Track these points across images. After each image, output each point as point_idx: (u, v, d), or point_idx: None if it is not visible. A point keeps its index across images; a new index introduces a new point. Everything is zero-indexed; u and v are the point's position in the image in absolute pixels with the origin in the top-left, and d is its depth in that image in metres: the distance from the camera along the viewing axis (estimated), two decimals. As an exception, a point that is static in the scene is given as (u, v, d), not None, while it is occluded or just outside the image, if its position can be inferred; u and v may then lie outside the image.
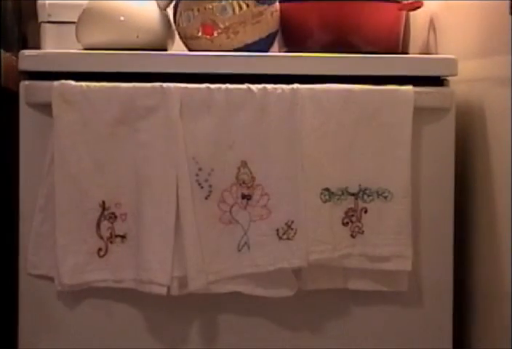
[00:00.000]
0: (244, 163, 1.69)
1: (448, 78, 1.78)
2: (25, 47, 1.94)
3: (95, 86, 1.67)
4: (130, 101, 1.67)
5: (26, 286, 1.71)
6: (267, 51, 1.87)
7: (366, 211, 1.71)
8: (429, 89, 1.74)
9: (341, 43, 1.85)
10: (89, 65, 1.69)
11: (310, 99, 1.69)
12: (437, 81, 1.77)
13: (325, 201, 1.69)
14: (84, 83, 1.66)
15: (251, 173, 1.69)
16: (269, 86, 1.69)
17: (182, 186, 1.66)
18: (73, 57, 1.70)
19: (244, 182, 1.69)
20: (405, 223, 1.71)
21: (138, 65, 1.72)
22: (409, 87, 1.72)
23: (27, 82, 1.69)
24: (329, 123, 1.70)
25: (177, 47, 1.90)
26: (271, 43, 1.89)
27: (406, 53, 2.11)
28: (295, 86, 1.69)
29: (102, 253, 1.68)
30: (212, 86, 1.68)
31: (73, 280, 1.67)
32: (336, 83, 1.71)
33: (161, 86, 1.67)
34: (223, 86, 1.68)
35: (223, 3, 1.81)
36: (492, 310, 1.70)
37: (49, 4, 2.08)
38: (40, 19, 2.06)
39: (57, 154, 1.65)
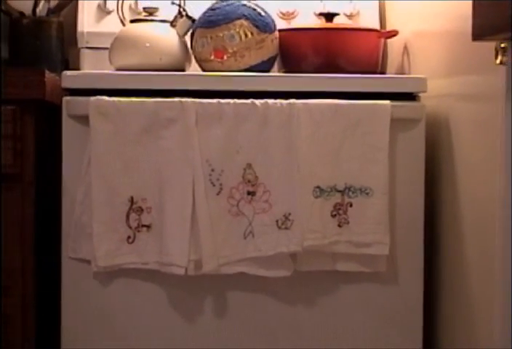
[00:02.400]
0: (249, 165, 1.69)
1: (419, 94, 1.78)
2: (67, 68, 1.94)
3: (125, 101, 1.67)
4: (154, 113, 1.67)
5: (67, 268, 1.71)
6: (268, 72, 1.87)
7: (351, 205, 1.71)
8: (403, 103, 1.74)
9: (330, 65, 1.84)
10: (120, 83, 1.69)
11: (304, 112, 1.69)
12: (410, 97, 1.77)
13: (316, 197, 1.70)
14: (115, 99, 1.67)
15: (255, 173, 1.69)
16: (270, 101, 1.69)
17: (197, 184, 1.67)
18: (107, 77, 1.70)
19: (249, 181, 1.69)
20: (383, 215, 1.71)
21: (161, 83, 1.71)
22: (387, 102, 1.72)
23: (68, 98, 1.69)
24: (320, 132, 1.70)
25: (193, 68, 1.91)
26: (272, 65, 1.89)
27: (384, 73, 2.10)
28: (292, 101, 1.69)
29: (130, 240, 1.68)
30: (222, 100, 1.68)
31: (107, 263, 1.67)
32: (326, 98, 1.71)
33: (180, 101, 1.67)
34: (231, 101, 1.68)
35: (231, 32, 1.81)
36: (456, 289, 1.71)
37: (87, 33, 2.08)
38: (79, 46, 2.05)
39: (93, 157, 1.66)
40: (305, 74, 1.78)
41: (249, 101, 1.69)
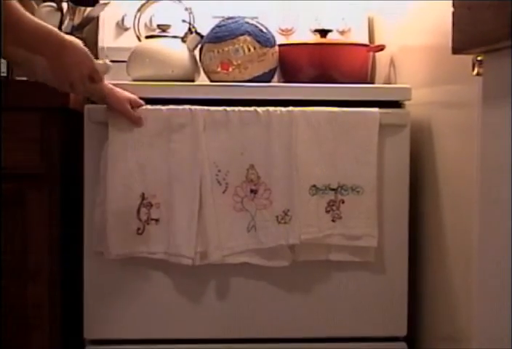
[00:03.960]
0: (252, 166, 1.69)
1: (404, 102, 1.78)
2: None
3: (141, 109, 1.68)
4: (166, 119, 1.67)
5: (89, 262, 1.70)
6: (269, 82, 1.87)
7: (343, 202, 1.72)
8: (390, 110, 1.75)
9: (324, 76, 1.84)
10: (136, 92, 1.68)
11: (302, 119, 1.69)
12: (396, 105, 1.77)
13: (312, 195, 1.70)
14: None
15: (257, 173, 1.69)
16: (271, 108, 1.69)
17: (204, 183, 1.67)
18: (125, 87, 1.68)
19: (251, 180, 1.69)
20: (373, 211, 1.72)
21: (173, 93, 1.72)
22: (375, 109, 1.72)
23: (90, 105, 1.69)
24: (316, 137, 1.70)
25: (202, 79, 1.90)
26: (272, 76, 1.89)
27: (373, 83, 2.10)
28: (291, 108, 1.70)
29: (140, 231, 1.68)
30: (228, 108, 1.68)
31: (119, 251, 1.66)
32: (321, 106, 1.71)
33: (190, 108, 1.68)
34: (236, 108, 1.69)
35: (236, 46, 1.81)
36: (438, 274, 1.72)
37: (107, 48, 2.08)
38: (100, 58, 2.07)
39: (110, 157, 1.66)
40: (301, 84, 1.78)
41: (252, 109, 1.69)
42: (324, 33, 1.94)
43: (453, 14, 1.17)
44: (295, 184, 1.68)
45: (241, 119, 1.68)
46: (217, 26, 1.86)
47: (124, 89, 1.68)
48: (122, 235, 1.66)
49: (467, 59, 1.28)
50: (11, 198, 1.66)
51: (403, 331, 1.75)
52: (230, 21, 1.85)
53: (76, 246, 1.73)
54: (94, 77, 1.55)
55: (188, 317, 1.73)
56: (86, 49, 1.51)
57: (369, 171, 1.72)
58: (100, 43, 2.10)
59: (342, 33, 2.16)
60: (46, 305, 1.69)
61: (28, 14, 1.41)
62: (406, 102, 1.78)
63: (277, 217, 1.69)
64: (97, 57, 1.91)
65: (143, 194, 1.68)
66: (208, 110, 1.68)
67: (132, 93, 1.68)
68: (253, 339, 1.74)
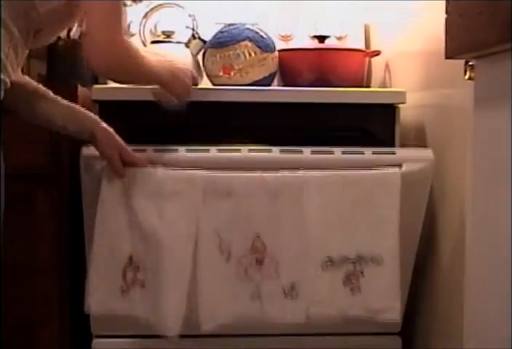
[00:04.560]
0: (258, 235, 1.53)
1: (399, 105, 1.76)
2: (96, 83, 1.94)
3: (133, 170, 1.54)
4: (160, 185, 1.52)
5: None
6: (269, 86, 1.87)
7: (362, 273, 1.55)
8: (412, 166, 1.58)
9: (322, 80, 1.84)
10: (141, 95, 1.64)
11: (314, 185, 1.54)
12: (391, 107, 1.75)
13: (327, 266, 1.54)
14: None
15: (263, 243, 1.53)
16: (279, 174, 1.54)
17: (199, 252, 1.52)
18: (131, 90, 1.66)
19: (257, 250, 1.53)
20: (394, 282, 1.55)
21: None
22: (396, 170, 1.55)
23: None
24: (330, 204, 1.54)
25: (205, 83, 1.90)
26: (272, 80, 1.89)
27: (369, 87, 2.10)
28: (301, 173, 1.54)
29: (124, 293, 1.54)
30: (231, 174, 1.54)
31: (99, 308, 1.55)
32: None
33: (188, 173, 1.53)
34: (241, 175, 1.54)
35: (238, 51, 1.81)
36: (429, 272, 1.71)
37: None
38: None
39: (99, 215, 1.53)
40: (300, 88, 1.77)
41: (258, 175, 1.54)
42: (322, 38, 1.94)
43: (446, 20, 1.17)
44: (304, 256, 1.53)
45: (245, 188, 1.53)
46: (220, 32, 1.86)
47: (131, 93, 1.66)
48: (105, 293, 1.54)
49: (459, 64, 1.28)
50: (21, 198, 1.66)
51: (397, 327, 1.74)
52: (231, 27, 1.85)
53: (83, 243, 1.73)
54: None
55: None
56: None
57: (390, 241, 1.54)
58: (107, 49, 2.09)
59: (339, 39, 2.16)
60: (55, 301, 1.69)
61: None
62: (401, 105, 1.77)
63: (284, 289, 1.53)
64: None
65: (131, 257, 1.53)
66: (209, 175, 1.53)
67: (138, 96, 1.66)
68: (252, 334, 1.67)
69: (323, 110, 1.73)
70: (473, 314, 1.19)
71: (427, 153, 1.62)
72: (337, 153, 1.60)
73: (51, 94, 1.52)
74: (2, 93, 1.29)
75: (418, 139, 1.78)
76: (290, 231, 1.53)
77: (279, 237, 1.54)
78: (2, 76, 1.28)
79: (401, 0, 1.93)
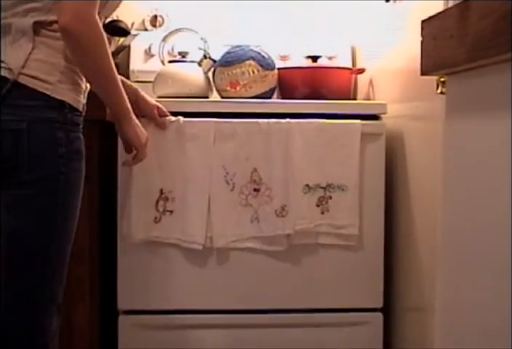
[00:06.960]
0: (255, 169, 1.69)
1: (381, 115, 1.77)
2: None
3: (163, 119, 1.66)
4: (183, 130, 1.66)
5: (122, 244, 1.69)
6: (270, 99, 1.87)
7: (331, 198, 1.71)
8: (369, 122, 1.74)
9: (315, 94, 1.83)
10: None
11: (297, 130, 1.69)
12: (374, 117, 1.76)
13: (305, 193, 1.69)
14: None
15: (259, 175, 1.69)
16: (271, 121, 1.68)
17: (213, 183, 1.67)
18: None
19: (255, 181, 1.69)
20: (355, 205, 1.71)
21: (190, 107, 1.71)
22: (357, 121, 1.72)
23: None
24: (308, 144, 1.69)
25: (214, 96, 1.89)
26: (272, 94, 1.89)
27: (355, 99, 2.10)
28: (287, 120, 1.69)
29: (157, 220, 1.66)
30: (234, 121, 1.68)
31: (140, 235, 1.66)
32: (313, 118, 1.70)
33: (203, 121, 1.67)
34: (241, 121, 1.68)
35: (243, 69, 1.81)
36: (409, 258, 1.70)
37: (137, 70, 2.06)
38: (131, 80, 2.00)
39: None
40: (296, 100, 1.78)
41: (255, 121, 1.68)
42: (315, 58, 1.94)
43: (421, 42, 1.16)
44: (290, 184, 1.68)
45: (245, 131, 1.68)
46: (227, 53, 1.85)
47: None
48: (142, 222, 1.65)
49: (432, 80, 1.27)
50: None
51: (379, 303, 1.74)
52: (237, 48, 1.84)
53: (111, 233, 1.73)
54: None
55: (202, 290, 1.71)
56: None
57: (352, 173, 1.71)
58: (131, 67, 2.09)
59: (330, 58, 2.15)
60: (87, 282, 1.69)
61: None
62: (383, 116, 1.77)
63: (276, 211, 1.69)
64: (128, 78, 1.91)
65: (161, 189, 1.66)
66: (218, 122, 1.67)
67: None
68: (250, 310, 1.72)
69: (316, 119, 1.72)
70: (443, 289, 1.18)
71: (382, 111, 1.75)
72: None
73: None
74: None
75: (397, 144, 1.77)
76: (279, 165, 1.67)
77: (271, 170, 1.68)
78: None
79: (382, 25, 1.92)
